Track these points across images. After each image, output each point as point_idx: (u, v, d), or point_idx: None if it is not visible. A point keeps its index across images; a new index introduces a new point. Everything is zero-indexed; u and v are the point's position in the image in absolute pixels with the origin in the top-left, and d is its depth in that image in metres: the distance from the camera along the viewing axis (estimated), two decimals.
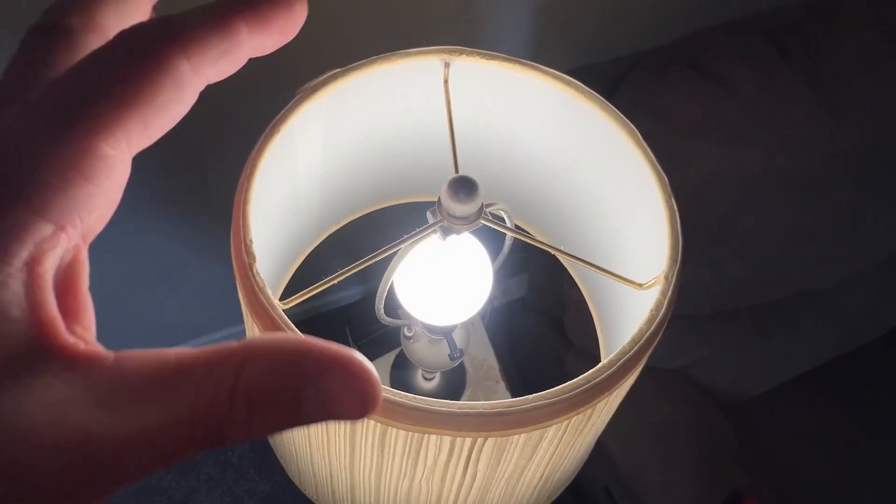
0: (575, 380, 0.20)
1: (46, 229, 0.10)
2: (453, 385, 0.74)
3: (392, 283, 0.33)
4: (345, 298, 0.97)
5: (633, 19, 0.70)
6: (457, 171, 0.28)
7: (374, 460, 0.23)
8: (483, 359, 0.78)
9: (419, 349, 0.48)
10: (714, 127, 0.53)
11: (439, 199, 0.26)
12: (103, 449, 0.09)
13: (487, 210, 0.28)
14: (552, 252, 0.27)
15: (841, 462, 0.77)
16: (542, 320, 0.90)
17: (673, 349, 0.73)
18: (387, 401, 0.18)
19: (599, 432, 0.29)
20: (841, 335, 0.81)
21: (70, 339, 0.10)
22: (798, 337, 0.78)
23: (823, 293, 0.77)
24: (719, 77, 0.53)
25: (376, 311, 0.34)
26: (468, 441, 0.20)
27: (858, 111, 0.57)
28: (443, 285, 0.32)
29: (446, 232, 0.26)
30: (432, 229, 0.26)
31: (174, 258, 0.79)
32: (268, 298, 0.20)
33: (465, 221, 0.26)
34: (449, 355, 0.43)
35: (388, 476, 0.24)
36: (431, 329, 0.43)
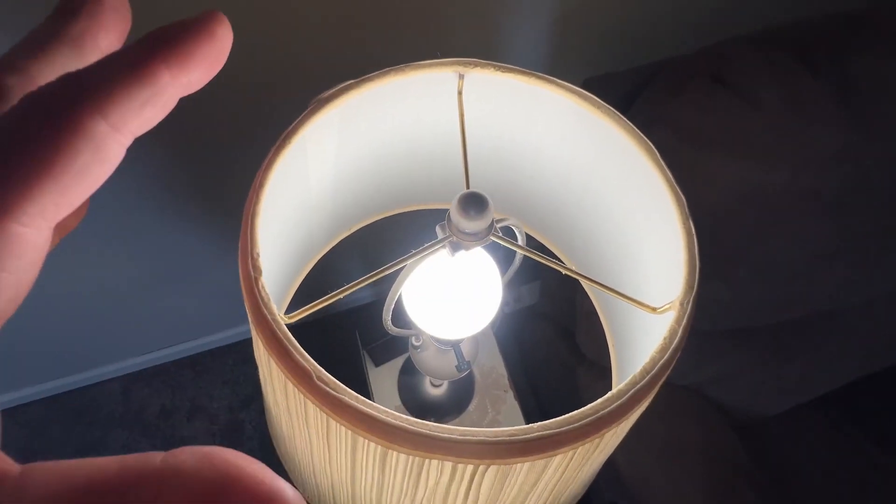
0: (583, 409, 0.19)
1: None
2: (461, 392, 0.74)
3: (401, 295, 0.32)
4: (355, 301, 0.97)
5: (651, 29, 0.69)
6: (468, 186, 0.27)
7: (375, 478, 0.23)
8: (492, 367, 0.77)
9: (427, 358, 0.47)
10: (736, 143, 0.52)
11: (448, 214, 0.26)
12: None
13: (499, 224, 0.28)
14: (563, 272, 0.27)
15: (862, 486, 0.74)
16: (553, 329, 0.89)
17: (687, 365, 0.71)
18: (387, 424, 0.18)
19: (607, 457, 0.28)
20: (863, 358, 0.78)
21: None
22: (818, 359, 0.76)
23: (845, 315, 0.74)
24: (742, 91, 0.51)
25: (384, 322, 0.34)
26: (470, 467, 0.19)
27: (890, 130, 0.55)
28: (451, 300, 0.32)
29: (455, 248, 0.26)
30: (441, 244, 0.26)
31: (190, 257, 0.80)
32: (271, 313, 0.20)
33: (475, 238, 0.26)
34: (456, 366, 0.43)
35: (389, 493, 0.24)
36: (439, 340, 0.42)
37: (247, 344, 1.01)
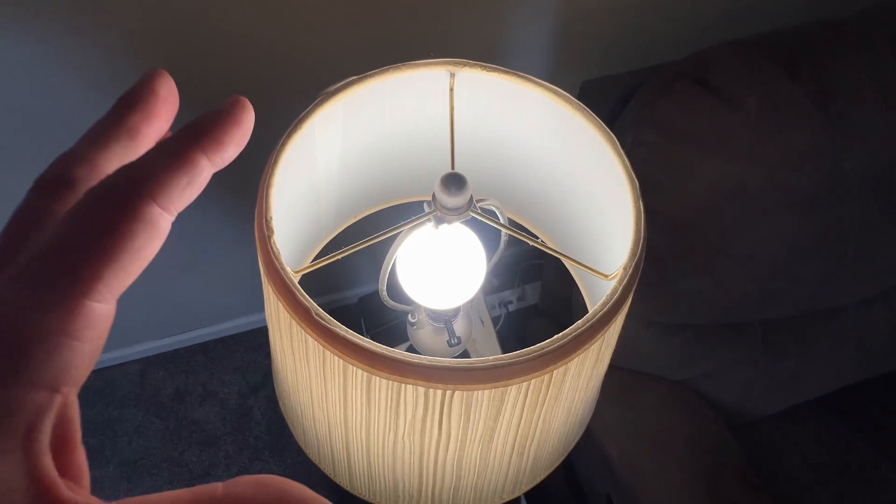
0: (531, 347, 0.23)
1: (40, 397, 0.11)
2: None
3: (396, 272, 0.36)
4: (360, 292, 1.02)
5: (648, 36, 0.73)
6: (453, 168, 0.31)
7: (363, 412, 0.27)
8: None
9: (422, 337, 0.51)
10: (716, 142, 0.55)
11: (434, 192, 0.30)
12: None
13: (480, 204, 0.32)
14: (530, 243, 0.31)
15: (856, 487, 0.76)
16: (552, 326, 0.92)
17: (678, 359, 0.74)
18: (370, 351, 0.22)
19: (570, 416, 0.32)
20: (863, 358, 0.79)
21: (70, 498, 0.11)
22: (813, 357, 0.78)
23: (843, 315, 0.76)
24: (723, 93, 0.55)
25: (380, 292, 0.38)
26: (439, 393, 0.23)
27: (869, 132, 0.58)
28: (438, 272, 0.36)
29: (439, 221, 0.30)
30: (427, 218, 0.30)
31: (206, 247, 0.85)
32: (280, 263, 0.25)
33: (456, 212, 0.30)
34: (448, 342, 0.47)
35: (376, 429, 0.28)
36: (433, 315, 0.46)
37: (257, 333, 1.06)
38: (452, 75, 0.35)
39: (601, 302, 0.25)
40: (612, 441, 0.72)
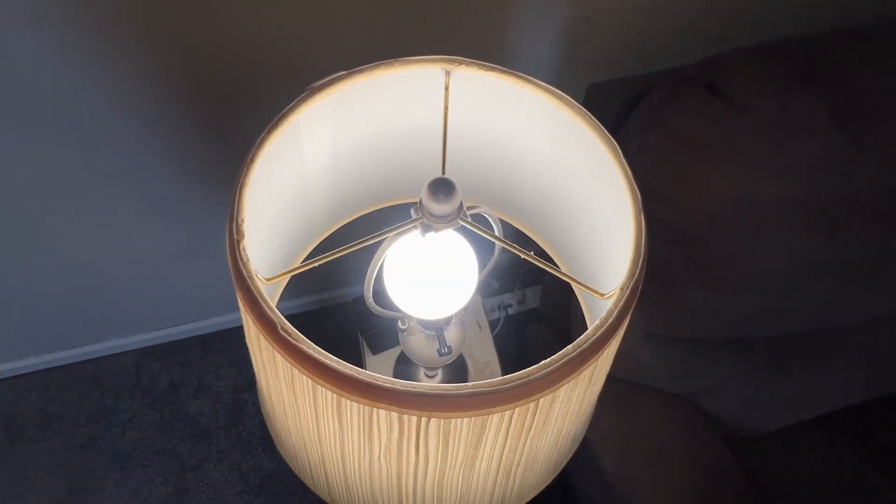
0: (515, 373, 0.21)
1: None
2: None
3: (383, 278, 0.35)
4: (356, 291, 1.00)
5: (659, 40, 0.70)
6: (443, 172, 0.29)
7: (335, 431, 0.25)
8: (486, 363, 0.79)
9: (413, 343, 0.49)
10: (726, 150, 0.53)
11: (420, 198, 0.28)
12: None
13: (471, 212, 0.30)
14: (522, 256, 0.29)
15: None
16: (551, 331, 0.90)
17: (678, 372, 0.72)
18: (339, 372, 0.20)
19: (560, 438, 0.30)
20: (871, 378, 0.77)
21: None
22: (818, 375, 0.75)
23: (851, 332, 0.74)
24: (734, 99, 0.53)
25: (365, 299, 0.36)
26: (414, 419, 0.22)
27: (886, 146, 0.56)
28: (426, 281, 0.34)
29: (426, 229, 0.28)
30: (413, 225, 0.28)
31: (203, 238, 0.84)
32: (248, 271, 0.23)
33: (444, 220, 0.28)
34: (437, 350, 0.45)
35: (350, 448, 0.26)
36: (423, 323, 0.44)
37: None
38: (448, 73, 0.33)
39: (595, 325, 0.23)
40: (608, 452, 0.70)
